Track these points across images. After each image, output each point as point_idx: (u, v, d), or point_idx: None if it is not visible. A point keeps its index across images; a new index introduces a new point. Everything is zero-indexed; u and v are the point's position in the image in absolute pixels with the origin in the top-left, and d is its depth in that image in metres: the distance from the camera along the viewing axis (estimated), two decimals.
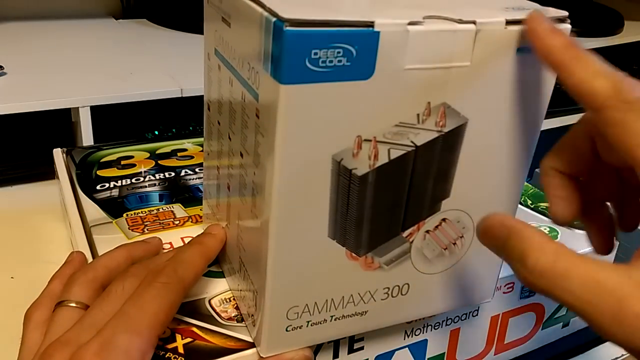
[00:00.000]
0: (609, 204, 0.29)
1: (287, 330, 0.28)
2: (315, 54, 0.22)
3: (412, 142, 0.26)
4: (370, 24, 0.22)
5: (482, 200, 0.29)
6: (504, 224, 0.24)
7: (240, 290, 0.31)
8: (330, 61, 0.22)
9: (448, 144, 0.27)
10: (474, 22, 0.24)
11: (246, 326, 0.30)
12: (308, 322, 0.28)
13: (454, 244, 0.30)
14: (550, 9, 0.27)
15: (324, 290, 0.28)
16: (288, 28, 0.21)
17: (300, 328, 0.28)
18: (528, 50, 0.26)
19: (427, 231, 0.29)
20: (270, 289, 0.26)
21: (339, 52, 0.22)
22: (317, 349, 0.31)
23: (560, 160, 0.28)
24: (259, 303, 0.28)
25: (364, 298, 0.29)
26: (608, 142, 0.23)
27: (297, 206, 0.25)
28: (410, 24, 0.23)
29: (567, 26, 0.26)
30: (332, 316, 0.29)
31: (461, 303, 0.33)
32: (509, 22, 0.25)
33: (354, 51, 0.22)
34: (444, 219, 0.29)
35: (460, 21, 0.24)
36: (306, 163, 0.24)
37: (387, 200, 0.27)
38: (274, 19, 0.22)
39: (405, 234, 0.28)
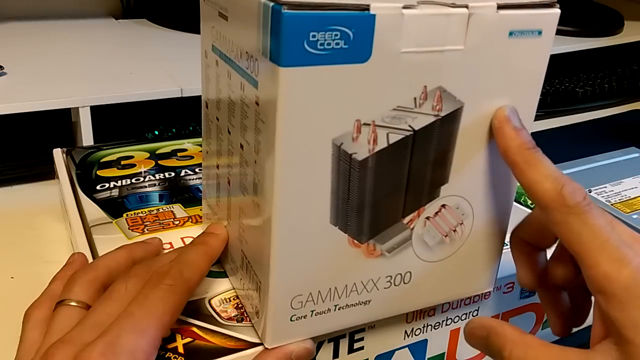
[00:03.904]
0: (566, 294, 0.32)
1: (291, 320, 0.28)
2: (314, 36, 0.22)
3: (410, 126, 0.26)
4: (366, 7, 0.23)
5: (480, 186, 0.29)
6: (483, 325, 0.28)
7: (245, 289, 0.31)
8: (328, 44, 0.23)
9: (445, 128, 0.27)
10: (466, 7, 0.25)
11: (252, 325, 0.30)
12: (312, 311, 0.28)
13: (454, 230, 0.30)
14: None
15: (328, 278, 0.28)
16: (286, 11, 0.22)
17: (304, 318, 0.28)
18: (520, 33, 0.26)
19: (428, 217, 0.29)
20: (274, 278, 0.27)
21: (336, 35, 0.23)
22: (317, 348, 0.31)
23: (526, 232, 0.31)
24: (263, 293, 0.28)
25: (367, 287, 0.29)
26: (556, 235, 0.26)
27: (300, 192, 0.25)
28: (404, 7, 0.24)
29: (556, 10, 0.27)
30: (335, 305, 0.29)
31: (462, 293, 0.33)
32: (500, 7, 0.26)
33: (351, 34, 0.23)
34: (443, 205, 0.29)
35: (453, 5, 0.25)
36: (307, 148, 0.24)
37: (387, 185, 0.27)
38: (271, 4, 0.22)
39: (406, 220, 0.28)
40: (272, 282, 0.27)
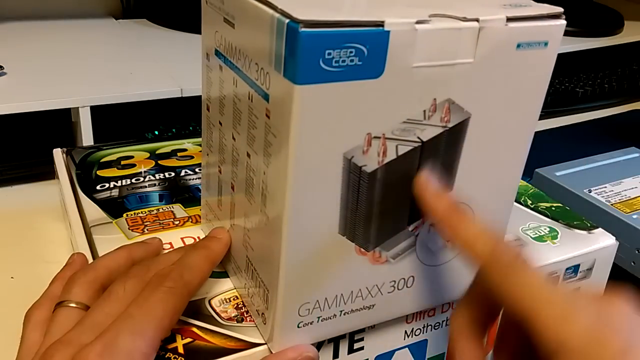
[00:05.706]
0: None
1: (298, 327, 0.28)
2: (329, 54, 0.22)
3: (418, 137, 0.26)
4: (381, 24, 0.23)
5: (482, 192, 0.30)
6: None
7: (248, 289, 0.31)
8: (343, 61, 0.23)
9: (452, 139, 0.27)
10: (477, 20, 0.25)
11: (252, 325, 0.30)
12: (319, 317, 0.29)
13: None
14: (546, 5, 0.27)
15: (334, 286, 0.28)
16: (303, 29, 0.21)
17: (311, 324, 0.29)
18: (527, 45, 0.26)
19: (432, 224, 0.29)
20: (283, 287, 0.27)
21: (351, 52, 0.23)
22: (317, 348, 0.31)
23: (470, 311, 0.28)
24: (271, 301, 0.28)
25: (371, 292, 0.29)
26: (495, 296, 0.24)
27: (310, 204, 0.25)
28: (418, 22, 0.24)
29: (562, 22, 0.27)
30: (341, 311, 0.29)
31: (462, 293, 0.33)
32: (509, 19, 0.26)
33: (366, 50, 0.23)
34: None
35: (465, 19, 0.25)
36: (319, 162, 0.24)
37: (395, 195, 0.27)
38: (287, 20, 0.22)
39: (411, 227, 0.29)
40: (280, 291, 0.27)
